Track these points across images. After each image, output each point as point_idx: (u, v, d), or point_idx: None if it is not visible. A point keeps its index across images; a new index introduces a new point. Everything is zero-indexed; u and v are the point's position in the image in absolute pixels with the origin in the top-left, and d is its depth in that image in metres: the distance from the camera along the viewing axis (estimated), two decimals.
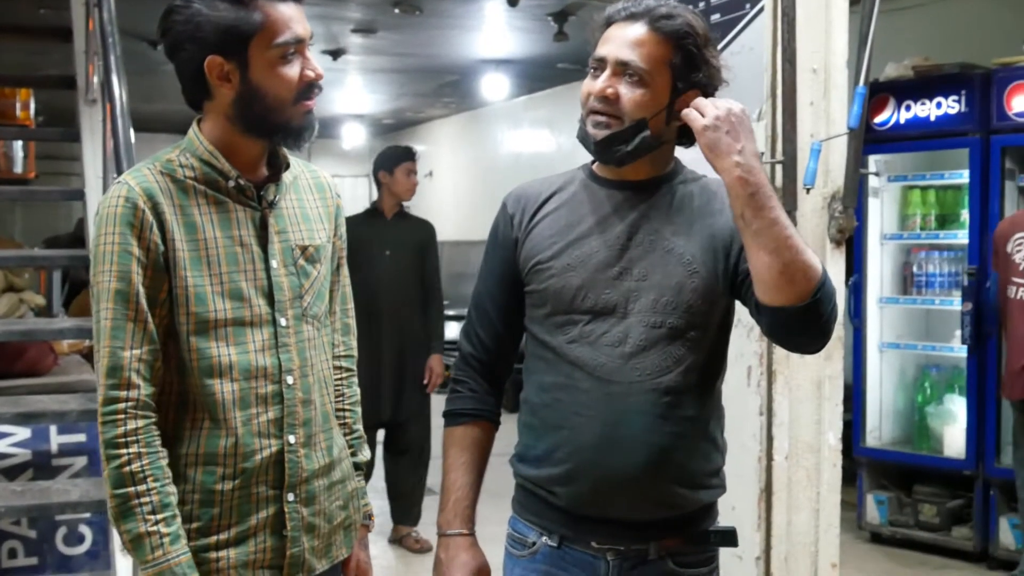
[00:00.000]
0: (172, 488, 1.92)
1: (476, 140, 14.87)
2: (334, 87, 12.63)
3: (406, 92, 13.35)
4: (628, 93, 2.03)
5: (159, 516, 1.89)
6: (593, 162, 2.20)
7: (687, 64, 2.05)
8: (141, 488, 1.88)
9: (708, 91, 2.07)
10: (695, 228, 2.10)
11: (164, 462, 1.92)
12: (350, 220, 2.19)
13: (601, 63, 2.07)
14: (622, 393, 2.03)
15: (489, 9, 8.86)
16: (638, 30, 2.05)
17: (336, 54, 10.34)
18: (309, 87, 1.99)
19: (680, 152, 2.23)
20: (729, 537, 2.17)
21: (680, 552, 2.12)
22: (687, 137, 2.09)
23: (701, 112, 1.92)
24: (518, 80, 11.65)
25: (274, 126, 1.99)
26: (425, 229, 6.25)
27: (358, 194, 18.68)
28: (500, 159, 14.01)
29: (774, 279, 1.88)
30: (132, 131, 3.97)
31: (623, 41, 2.05)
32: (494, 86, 11.57)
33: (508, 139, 13.95)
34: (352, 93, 13.37)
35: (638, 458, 2.02)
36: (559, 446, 2.08)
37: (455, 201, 15.39)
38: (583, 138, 2.10)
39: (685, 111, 1.96)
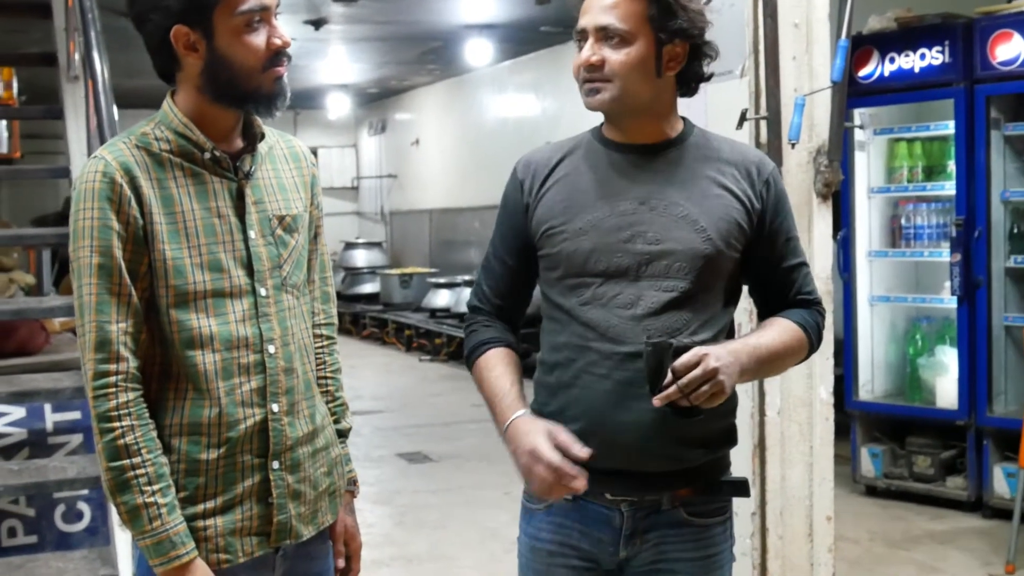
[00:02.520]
0: (164, 459, 1.94)
1: (461, 106, 14.83)
2: (317, 57, 12.57)
3: (390, 60, 13.30)
4: (613, 55, 2.09)
5: (155, 487, 1.91)
6: (601, 125, 2.24)
7: (664, 14, 2.09)
8: (136, 460, 1.90)
9: (692, 33, 2.12)
10: (708, 193, 2.14)
11: (155, 433, 1.94)
12: None
13: (583, 34, 2.13)
14: (632, 354, 2.06)
15: None
16: None
17: (318, 24, 10.29)
18: (277, 55, 1.99)
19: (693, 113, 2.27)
20: (741, 487, 2.22)
21: (693, 502, 2.17)
22: (686, 87, 2.19)
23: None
24: (502, 45, 11.60)
25: (244, 94, 1.99)
26: None
27: (345, 164, 18.67)
28: (486, 125, 13.98)
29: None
30: (115, 107, 3.96)
31: (599, 7, 2.11)
32: (478, 52, 11.53)
33: (493, 104, 13.92)
34: (335, 63, 13.32)
35: (647, 419, 2.05)
36: (570, 404, 2.13)
37: (442, 168, 15.36)
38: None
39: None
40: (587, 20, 2.12)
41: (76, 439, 4.26)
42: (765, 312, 2.28)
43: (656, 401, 1.97)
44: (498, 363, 2.21)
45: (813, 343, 2.23)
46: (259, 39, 1.96)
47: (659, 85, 2.13)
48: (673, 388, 1.95)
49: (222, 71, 1.96)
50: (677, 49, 2.12)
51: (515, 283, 2.27)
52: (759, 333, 2.16)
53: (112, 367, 1.90)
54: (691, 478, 2.16)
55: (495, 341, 2.25)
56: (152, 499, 1.90)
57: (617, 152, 2.18)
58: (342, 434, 2.27)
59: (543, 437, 2.02)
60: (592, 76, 2.11)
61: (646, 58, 2.09)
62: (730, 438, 2.24)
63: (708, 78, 2.22)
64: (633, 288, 2.09)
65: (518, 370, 2.22)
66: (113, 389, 1.90)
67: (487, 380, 2.20)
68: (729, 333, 2.21)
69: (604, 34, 2.09)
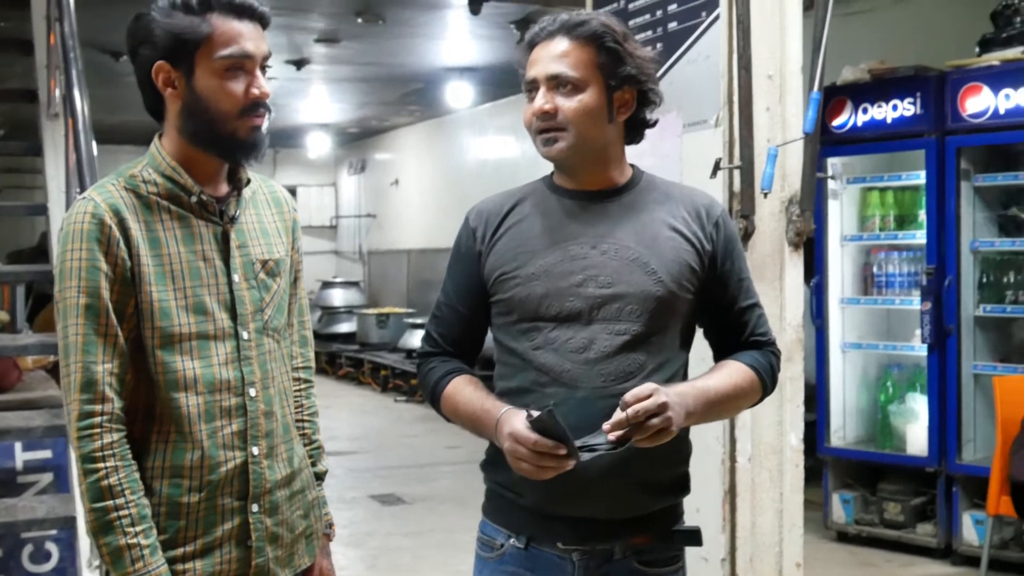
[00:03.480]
0: (147, 500, 1.95)
1: (441, 148, 14.89)
2: (298, 97, 12.62)
3: (370, 101, 13.36)
4: (566, 103, 2.13)
5: (138, 528, 1.92)
6: (552, 173, 2.27)
7: (613, 61, 2.14)
8: (120, 501, 1.91)
9: (640, 80, 2.17)
10: (659, 236, 2.17)
11: (138, 475, 1.95)
12: None
13: (533, 84, 2.17)
14: (586, 398, 2.07)
15: (452, 17, 8.90)
16: (559, 43, 2.15)
17: (300, 64, 10.35)
18: (254, 104, 2.01)
19: (645, 160, 2.30)
20: (693, 536, 2.22)
21: (645, 551, 2.17)
22: (633, 133, 2.23)
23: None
24: (482, 87, 11.69)
25: (218, 137, 2.01)
26: None
27: (324, 203, 18.68)
28: (466, 166, 14.04)
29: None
30: (95, 145, 3.97)
31: (549, 57, 2.15)
32: (458, 94, 11.61)
33: (473, 146, 13.99)
34: (316, 102, 13.37)
35: (597, 463, 2.03)
36: None
37: (421, 209, 15.40)
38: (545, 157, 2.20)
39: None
40: (537, 70, 2.16)
41: (46, 478, 4.22)
42: (720, 354, 2.30)
43: (607, 427, 1.95)
44: (466, 385, 2.20)
45: (767, 384, 2.24)
46: (237, 86, 1.99)
47: (611, 132, 2.18)
48: (623, 415, 1.95)
49: (199, 112, 1.99)
50: (626, 95, 2.17)
51: (467, 330, 2.28)
52: (708, 376, 2.18)
53: (97, 407, 1.91)
54: (643, 526, 2.17)
55: (457, 371, 2.24)
56: (135, 540, 1.91)
57: (569, 198, 2.21)
58: (319, 477, 2.29)
59: (520, 420, 1.98)
60: (547, 125, 2.14)
61: (598, 105, 2.14)
62: (683, 487, 2.24)
63: (653, 124, 2.26)
64: (586, 332, 2.11)
65: (485, 388, 2.20)
66: (98, 430, 1.91)
67: (461, 402, 2.18)
68: (685, 375, 2.23)
69: (556, 82, 2.13)
